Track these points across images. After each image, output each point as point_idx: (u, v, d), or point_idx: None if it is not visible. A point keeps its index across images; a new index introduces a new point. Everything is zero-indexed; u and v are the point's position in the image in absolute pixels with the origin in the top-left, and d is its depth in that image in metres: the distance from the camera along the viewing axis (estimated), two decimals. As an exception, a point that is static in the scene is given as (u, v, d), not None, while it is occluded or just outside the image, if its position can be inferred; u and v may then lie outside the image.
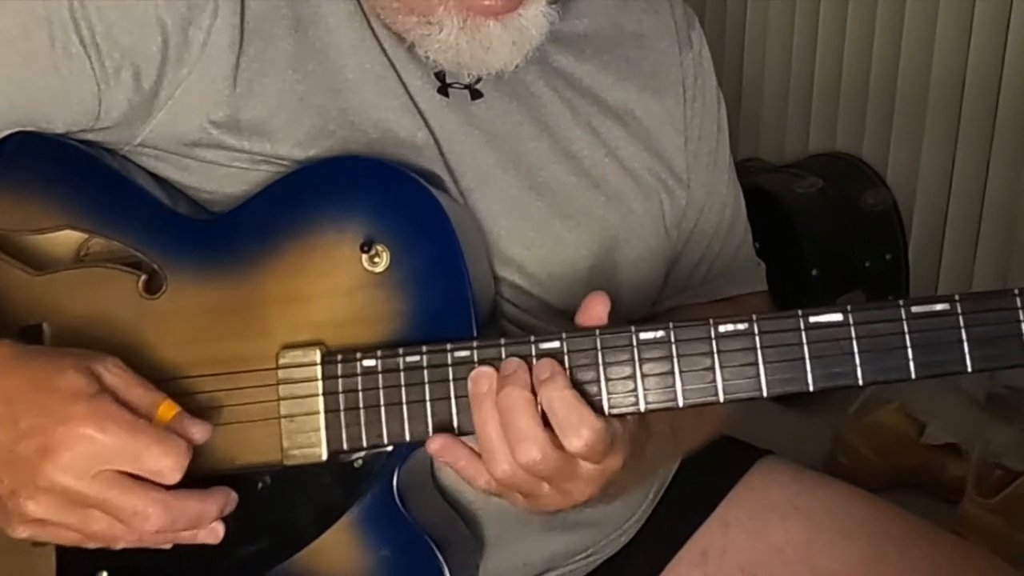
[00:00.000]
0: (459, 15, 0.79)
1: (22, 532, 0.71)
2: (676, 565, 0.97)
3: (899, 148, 2.03)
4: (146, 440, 0.69)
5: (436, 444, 0.74)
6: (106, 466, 0.68)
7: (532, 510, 0.77)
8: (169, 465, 0.69)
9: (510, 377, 0.72)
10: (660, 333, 0.73)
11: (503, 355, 0.74)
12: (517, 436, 0.71)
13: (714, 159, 0.99)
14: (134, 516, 0.69)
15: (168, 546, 0.73)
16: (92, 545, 0.72)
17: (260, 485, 0.77)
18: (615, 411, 0.73)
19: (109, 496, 0.69)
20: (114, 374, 0.72)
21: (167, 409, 0.72)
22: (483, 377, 0.73)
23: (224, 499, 0.73)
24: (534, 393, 0.72)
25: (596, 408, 0.72)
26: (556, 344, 0.73)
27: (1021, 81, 1.78)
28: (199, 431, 0.73)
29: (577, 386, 0.72)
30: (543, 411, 0.71)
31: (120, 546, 0.72)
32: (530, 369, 0.72)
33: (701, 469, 1.00)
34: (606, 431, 0.72)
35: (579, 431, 0.71)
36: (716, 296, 1.01)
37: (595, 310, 0.74)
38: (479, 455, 0.74)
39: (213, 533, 0.73)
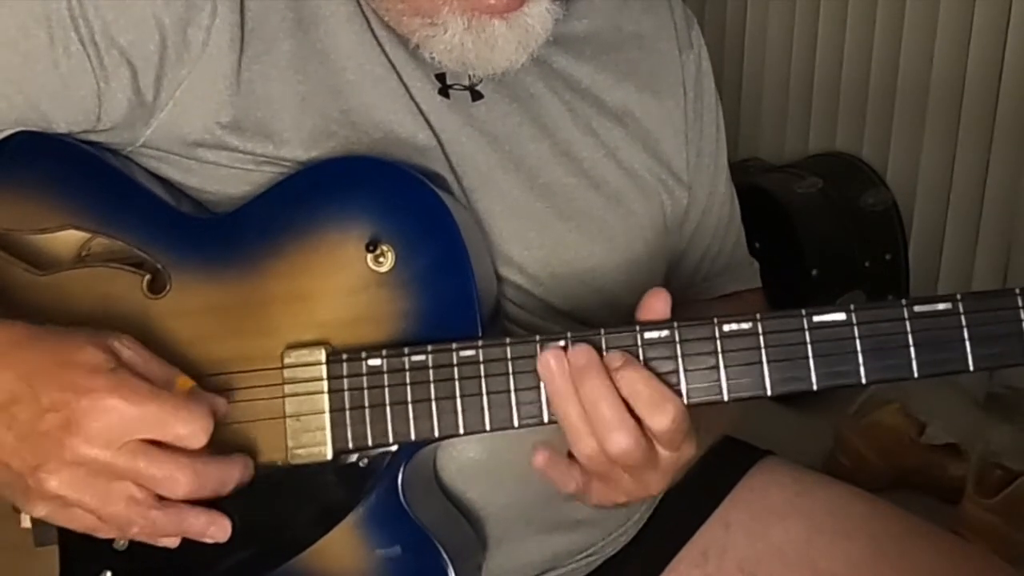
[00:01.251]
0: (464, 15, 0.79)
1: (40, 510, 0.71)
2: (676, 565, 0.97)
3: (899, 148, 2.03)
4: (170, 407, 0.69)
5: (541, 460, 0.75)
6: (133, 435, 0.68)
7: (603, 503, 0.78)
8: (195, 429, 0.69)
9: (586, 368, 0.72)
10: (664, 332, 0.73)
11: (508, 354, 0.74)
12: (606, 427, 0.72)
13: (715, 159, 1.00)
14: (164, 481, 0.69)
15: (173, 544, 0.73)
16: (104, 531, 0.72)
17: (265, 484, 0.77)
18: None
19: (138, 465, 0.69)
20: (131, 349, 0.72)
21: (183, 383, 0.72)
22: (551, 358, 0.72)
23: (244, 464, 0.74)
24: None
25: None
26: (561, 344, 0.73)
27: (1021, 81, 1.79)
28: (217, 403, 0.73)
29: None
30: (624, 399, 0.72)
31: (132, 533, 0.71)
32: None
33: (701, 469, 0.99)
34: (687, 410, 0.72)
35: (665, 407, 0.71)
36: (717, 293, 1.02)
37: (656, 307, 0.74)
38: (570, 462, 0.75)
39: (222, 530, 0.73)
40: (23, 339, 0.71)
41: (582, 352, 0.72)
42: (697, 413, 0.74)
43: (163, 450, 0.69)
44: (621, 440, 0.72)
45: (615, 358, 0.72)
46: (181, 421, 0.69)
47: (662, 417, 0.72)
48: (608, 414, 0.72)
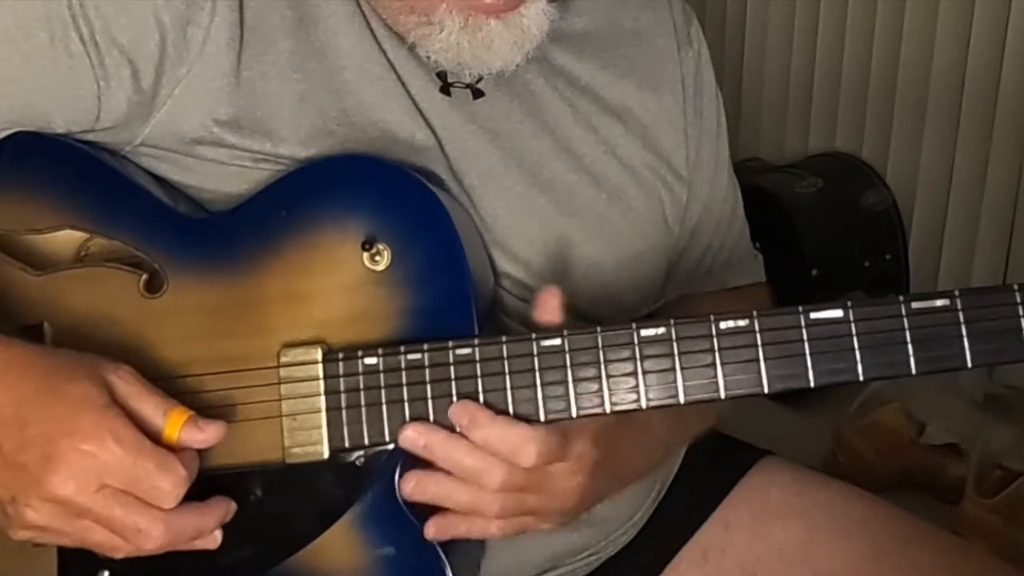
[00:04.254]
0: (460, 14, 0.79)
1: (21, 535, 0.71)
2: (677, 565, 0.97)
3: (899, 148, 2.03)
4: (146, 462, 0.69)
5: (432, 531, 0.76)
6: (105, 482, 0.68)
7: (554, 525, 0.79)
8: (167, 488, 0.69)
9: (427, 444, 0.74)
10: (661, 330, 0.73)
11: (504, 353, 0.74)
12: (472, 474, 0.74)
13: (715, 155, 1.00)
14: (136, 533, 0.69)
15: None
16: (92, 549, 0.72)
17: (262, 483, 0.77)
18: (617, 408, 0.74)
19: (114, 512, 0.69)
20: (126, 382, 0.72)
21: (178, 416, 0.72)
22: (410, 442, 0.75)
23: (223, 510, 0.73)
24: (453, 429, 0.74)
25: (596, 405, 0.73)
26: (557, 341, 0.73)
27: (1021, 81, 1.78)
28: (213, 431, 0.72)
29: (577, 383, 0.73)
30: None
31: (118, 555, 0.72)
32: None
33: (702, 469, 1.00)
34: (551, 432, 0.73)
35: (526, 449, 0.73)
36: (719, 287, 1.02)
37: (548, 304, 0.75)
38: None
39: (212, 539, 0.73)
40: (19, 361, 0.71)
41: (411, 432, 0.74)
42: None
43: (140, 500, 0.69)
44: (493, 476, 0.73)
45: (460, 416, 0.74)
46: (153, 479, 0.69)
47: (525, 458, 0.73)
48: (470, 463, 0.73)
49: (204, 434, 0.72)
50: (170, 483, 0.69)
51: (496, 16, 0.80)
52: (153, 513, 0.69)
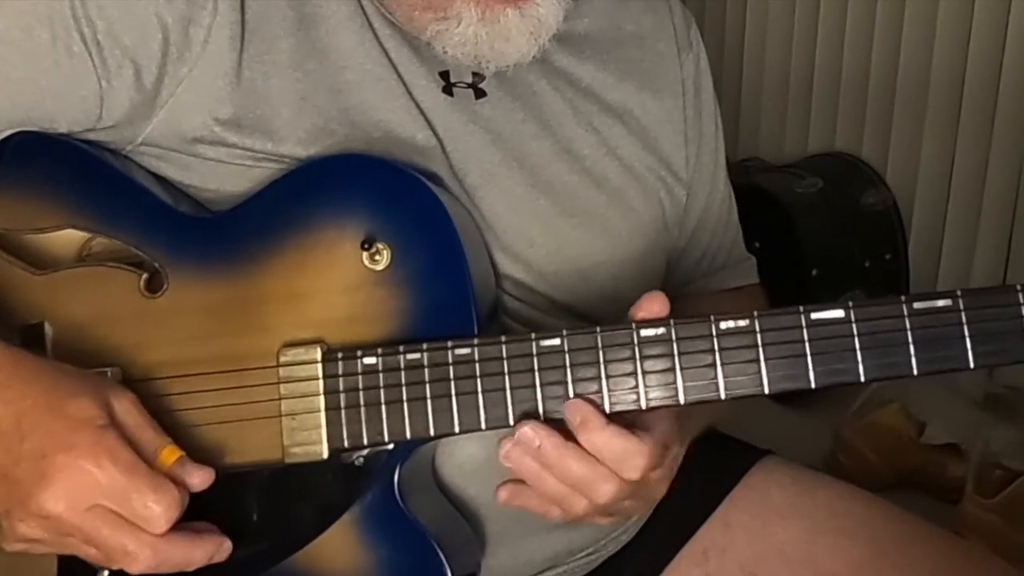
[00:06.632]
0: (477, 7, 0.80)
1: (15, 548, 0.71)
2: (677, 564, 0.97)
3: (899, 148, 2.03)
4: (139, 484, 0.68)
5: (505, 496, 0.75)
6: (97, 501, 0.68)
7: (615, 523, 0.79)
8: (158, 512, 0.69)
9: (541, 445, 0.72)
10: (661, 330, 0.73)
11: (504, 353, 0.74)
12: (582, 484, 0.73)
13: (714, 158, 1.00)
14: (123, 556, 0.69)
15: None
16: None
17: (261, 483, 0.77)
18: (616, 408, 0.73)
19: (102, 532, 0.69)
20: (127, 411, 0.72)
21: (169, 454, 0.72)
22: (511, 445, 0.73)
23: (214, 547, 0.73)
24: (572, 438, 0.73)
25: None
26: (557, 342, 0.73)
27: (1020, 80, 1.79)
28: (200, 477, 0.72)
29: (577, 383, 0.73)
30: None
31: (114, 568, 0.71)
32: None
33: (702, 469, 0.99)
34: (654, 444, 0.73)
35: (633, 463, 0.72)
36: (717, 289, 1.02)
37: (653, 309, 0.74)
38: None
39: (203, 559, 0.72)
40: (24, 374, 0.71)
41: (527, 432, 0.73)
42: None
43: (129, 523, 0.69)
44: (605, 489, 0.73)
45: (573, 415, 0.73)
46: (144, 503, 0.68)
47: (631, 472, 0.72)
48: (580, 471, 0.72)
49: (190, 478, 0.72)
50: (162, 507, 0.69)
51: (513, 5, 0.80)
52: (142, 537, 0.69)
